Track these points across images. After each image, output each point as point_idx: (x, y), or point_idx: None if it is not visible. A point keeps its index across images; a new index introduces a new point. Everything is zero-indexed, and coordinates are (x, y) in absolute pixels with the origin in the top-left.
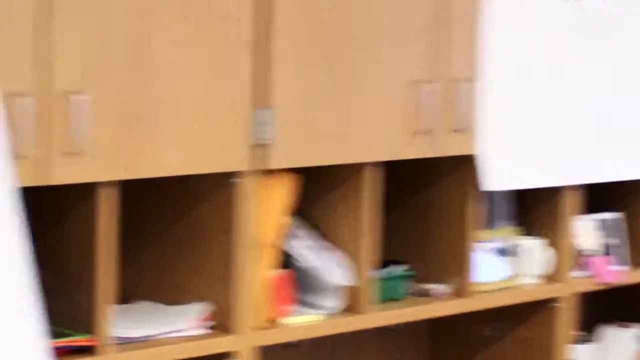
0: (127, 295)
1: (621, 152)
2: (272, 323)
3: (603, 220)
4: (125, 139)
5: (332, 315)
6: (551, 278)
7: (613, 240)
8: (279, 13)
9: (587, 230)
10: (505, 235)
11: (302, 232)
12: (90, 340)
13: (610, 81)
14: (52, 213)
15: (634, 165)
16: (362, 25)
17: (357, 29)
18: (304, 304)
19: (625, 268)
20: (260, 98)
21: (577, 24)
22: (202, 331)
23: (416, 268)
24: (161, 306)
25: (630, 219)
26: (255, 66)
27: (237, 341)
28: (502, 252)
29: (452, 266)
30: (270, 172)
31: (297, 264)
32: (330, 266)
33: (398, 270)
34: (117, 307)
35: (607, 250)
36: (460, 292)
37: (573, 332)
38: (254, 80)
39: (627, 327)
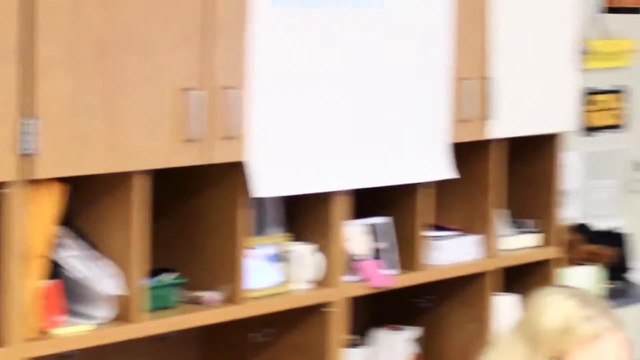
0: None
1: (388, 158)
2: (42, 334)
3: (372, 225)
4: None
5: (103, 325)
6: (322, 283)
7: (382, 244)
8: (43, 20)
9: (357, 235)
10: (276, 241)
11: (71, 242)
12: None
13: (375, 89)
14: None
15: (401, 171)
16: (129, 32)
17: (123, 36)
18: (75, 314)
19: (395, 271)
20: (26, 107)
21: (341, 33)
22: None
23: (187, 276)
24: None
25: (398, 223)
26: (19, 74)
27: (6, 353)
28: (273, 258)
29: (223, 273)
30: (37, 182)
31: (67, 273)
32: (99, 275)
33: (168, 278)
34: None
35: (377, 254)
36: (231, 299)
37: (345, 336)
38: (19, 89)
39: (398, 330)
